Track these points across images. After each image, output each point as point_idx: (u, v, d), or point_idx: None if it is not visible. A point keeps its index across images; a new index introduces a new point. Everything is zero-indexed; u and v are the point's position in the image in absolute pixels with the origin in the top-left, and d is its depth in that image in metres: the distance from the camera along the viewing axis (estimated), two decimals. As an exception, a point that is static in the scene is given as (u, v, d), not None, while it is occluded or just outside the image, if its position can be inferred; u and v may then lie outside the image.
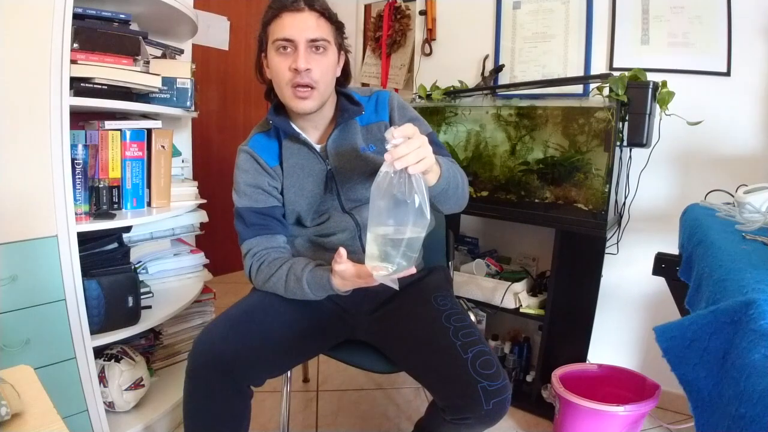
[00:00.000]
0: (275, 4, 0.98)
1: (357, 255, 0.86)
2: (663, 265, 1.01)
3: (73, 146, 1.20)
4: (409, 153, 0.77)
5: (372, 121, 1.10)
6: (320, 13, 0.98)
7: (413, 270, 0.84)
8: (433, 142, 0.93)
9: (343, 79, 1.11)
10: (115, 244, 1.37)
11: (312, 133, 1.10)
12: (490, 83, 1.85)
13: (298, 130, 1.08)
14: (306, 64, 0.96)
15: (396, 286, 0.84)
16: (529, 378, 1.79)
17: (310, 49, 0.97)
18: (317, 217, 1.11)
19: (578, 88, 1.71)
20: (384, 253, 0.81)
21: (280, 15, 0.96)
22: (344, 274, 0.90)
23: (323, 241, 1.11)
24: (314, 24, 0.97)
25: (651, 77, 1.43)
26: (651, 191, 1.64)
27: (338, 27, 1.04)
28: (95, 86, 1.20)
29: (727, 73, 1.50)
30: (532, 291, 1.71)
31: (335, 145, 1.08)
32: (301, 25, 0.96)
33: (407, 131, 0.80)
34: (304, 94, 0.99)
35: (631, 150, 1.61)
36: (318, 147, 1.09)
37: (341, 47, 1.06)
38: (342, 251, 0.89)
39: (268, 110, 1.10)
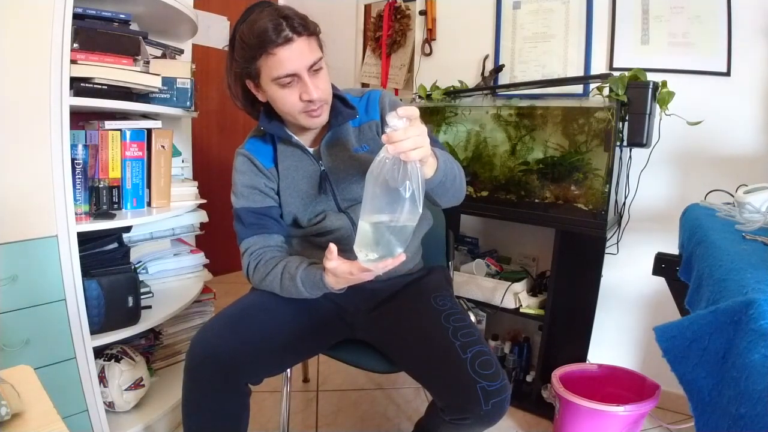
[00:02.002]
0: (260, 41, 0.92)
1: (353, 254, 0.86)
2: (663, 265, 1.01)
3: (73, 146, 1.20)
4: (406, 139, 0.76)
5: (364, 121, 1.11)
6: (308, 34, 0.95)
7: (403, 257, 0.84)
8: (429, 137, 0.93)
9: None
10: (115, 244, 1.37)
11: (306, 136, 1.10)
12: (490, 83, 1.85)
13: (290, 133, 1.08)
14: (316, 91, 0.97)
15: (382, 269, 0.84)
16: (529, 378, 1.79)
17: (310, 72, 0.96)
18: (313, 218, 1.11)
19: (578, 88, 1.71)
20: (373, 238, 0.81)
21: (272, 52, 0.92)
22: (336, 271, 0.90)
23: (319, 241, 1.11)
24: (307, 48, 0.95)
25: (651, 77, 1.43)
26: (651, 191, 1.64)
27: (318, 33, 1.00)
28: (95, 86, 1.21)
29: (727, 73, 1.50)
30: (532, 291, 1.71)
31: (328, 146, 1.09)
32: (298, 56, 0.93)
33: (410, 111, 0.79)
34: (317, 113, 1.01)
35: (631, 150, 1.61)
36: (311, 149, 1.10)
37: (322, 47, 1.03)
38: (332, 247, 0.89)
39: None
